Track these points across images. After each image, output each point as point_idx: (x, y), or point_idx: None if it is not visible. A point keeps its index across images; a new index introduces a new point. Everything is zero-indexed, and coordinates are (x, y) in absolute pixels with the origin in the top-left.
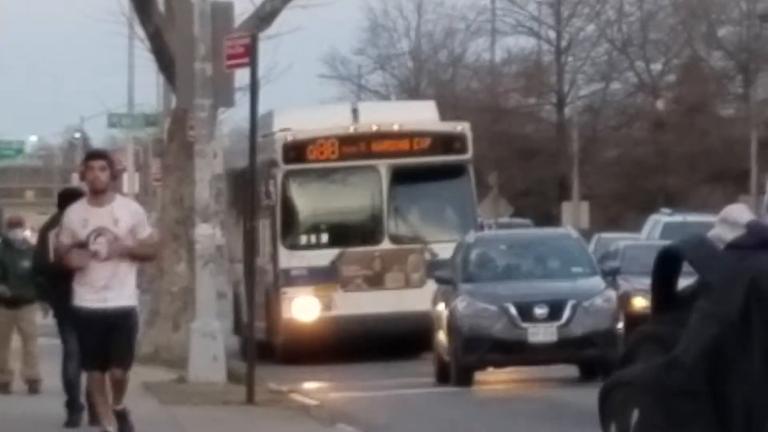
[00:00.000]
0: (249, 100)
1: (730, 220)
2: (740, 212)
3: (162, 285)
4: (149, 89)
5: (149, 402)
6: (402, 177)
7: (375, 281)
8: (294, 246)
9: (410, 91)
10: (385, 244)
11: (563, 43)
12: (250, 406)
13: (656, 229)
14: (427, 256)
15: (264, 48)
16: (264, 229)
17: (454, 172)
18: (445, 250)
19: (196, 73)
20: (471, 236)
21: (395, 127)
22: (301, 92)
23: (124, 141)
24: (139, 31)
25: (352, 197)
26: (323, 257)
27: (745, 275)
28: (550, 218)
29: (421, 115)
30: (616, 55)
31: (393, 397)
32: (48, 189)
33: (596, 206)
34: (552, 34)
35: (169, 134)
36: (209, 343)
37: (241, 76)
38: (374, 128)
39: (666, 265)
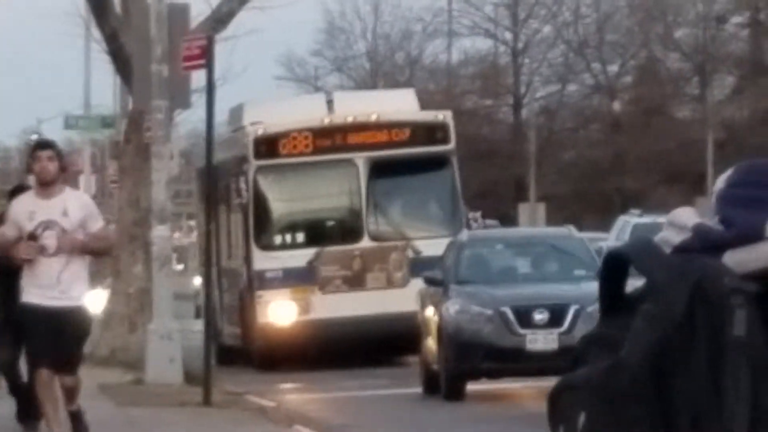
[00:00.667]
0: (205, 101)
1: (677, 224)
2: (687, 216)
3: (118, 286)
4: (106, 91)
5: (105, 404)
6: (381, 170)
7: (355, 282)
8: (268, 246)
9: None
10: (365, 242)
11: (520, 45)
12: (207, 408)
13: (626, 230)
14: (410, 253)
15: (220, 50)
16: (236, 228)
17: (437, 163)
18: (429, 247)
19: (152, 74)
20: (464, 234)
21: (373, 118)
22: (257, 94)
23: (80, 143)
24: (96, 33)
25: (328, 193)
26: (299, 258)
27: (690, 278)
28: (506, 220)
29: (400, 105)
30: (573, 57)
31: (353, 399)
32: (4, 191)
33: (553, 208)
34: (508, 36)
35: (126, 136)
36: (166, 344)
37: (198, 77)
38: (350, 119)
39: (613, 268)
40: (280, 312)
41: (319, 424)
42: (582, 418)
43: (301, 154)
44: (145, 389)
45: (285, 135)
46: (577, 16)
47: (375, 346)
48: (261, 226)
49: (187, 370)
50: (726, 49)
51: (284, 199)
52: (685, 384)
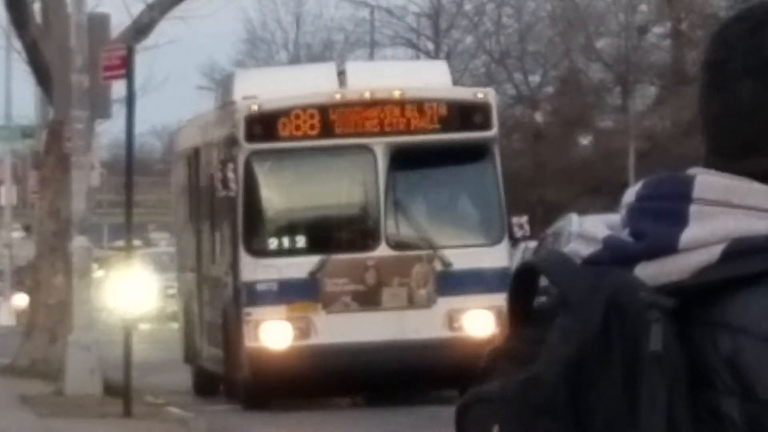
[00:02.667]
0: (126, 111)
1: (586, 236)
2: (597, 228)
3: (39, 297)
4: (27, 101)
5: (26, 414)
6: (405, 160)
7: (368, 299)
8: (261, 252)
9: None
10: (382, 250)
11: (441, 55)
12: (127, 419)
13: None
14: (438, 265)
15: (141, 59)
16: (221, 228)
17: (475, 153)
18: (461, 258)
19: (72, 84)
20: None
21: (396, 94)
22: (179, 104)
23: (1, 153)
24: (16, 43)
25: (338, 187)
26: (299, 267)
27: (605, 292)
28: None
29: (430, 79)
30: (494, 67)
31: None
32: None
33: None
34: (430, 46)
35: (46, 146)
36: (86, 355)
37: (119, 87)
38: (368, 95)
39: (523, 281)
40: (273, 335)
41: None
42: (495, 431)
43: (305, 137)
44: (65, 400)
45: (285, 113)
46: (499, 26)
47: (392, 380)
48: (252, 226)
49: (109, 382)
50: (648, 60)
51: (282, 194)
52: (600, 398)
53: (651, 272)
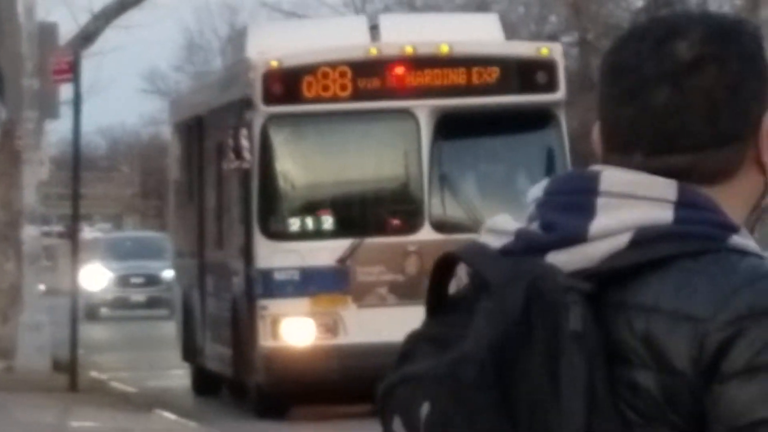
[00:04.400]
0: (72, 112)
1: (496, 229)
2: (506, 221)
3: None
4: None
5: None
6: (452, 128)
7: (407, 291)
8: (280, 234)
9: None
10: (425, 233)
11: None
12: (73, 393)
13: None
14: None
15: (88, 65)
16: (230, 207)
17: (536, 120)
18: None
19: (23, 87)
20: None
21: (443, 49)
22: (122, 105)
23: None
24: None
25: (372, 159)
26: (325, 253)
27: (525, 277)
28: None
29: (480, 34)
30: None
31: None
32: None
33: None
34: None
35: None
36: (35, 335)
37: (67, 90)
38: (410, 50)
39: (442, 270)
40: (293, 332)
41: (178, 409)
42: (425, 408)
43: (334, 99)
44: (15, 376)
45: (310, 70)
46: None
47: None
48: (269, 204)
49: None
50: None
51: (306, 166)
52: (524, 374)
53: (562, 260)
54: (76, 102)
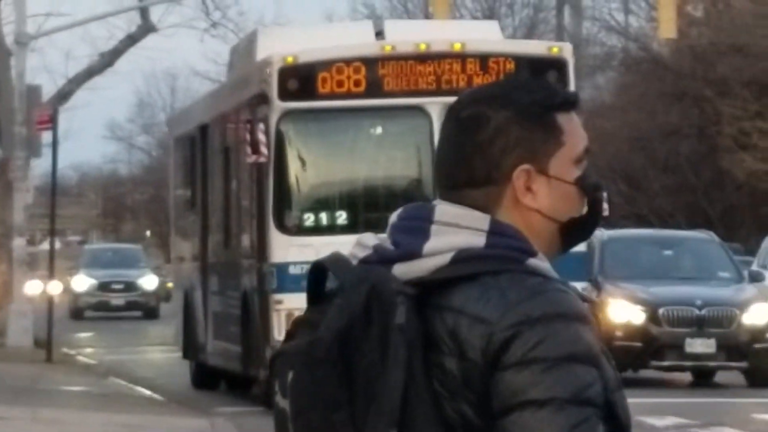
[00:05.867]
0: (51, 152)
1: (362, 244)
2: (369, 238)
3: None
4: None
5: None
6: None
7: None
8: (295, 229)
9: (167, 148)
10: None
11: None
12: (49, 364)
13: None
14: None
15: (63, 116)
16: (240, 205)
17: None
18: None
19: (15, 134)
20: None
21: (456, 47)
22: (88, 149)
23: None
24: None
25: (386, 154)
26: (341, 247)
27: (368, 282)
28: None
29: (485, 36)
30: None
31: (160, 359)
32: None
33: None
34: None
35: None
36: (22, 319)
37: (47, 135)
38: (422, 47)
39: (316, 273)
40: None
41: (130, 376)
42: (290, 375)
43: (349, 95)
44: (6, 351)
45: (326, 66)
46: None
47: None
48: (284, 198)
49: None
50: None
51: (321, 161)
52: (362, 354)
53: (403, 270)
54: (54, 145)
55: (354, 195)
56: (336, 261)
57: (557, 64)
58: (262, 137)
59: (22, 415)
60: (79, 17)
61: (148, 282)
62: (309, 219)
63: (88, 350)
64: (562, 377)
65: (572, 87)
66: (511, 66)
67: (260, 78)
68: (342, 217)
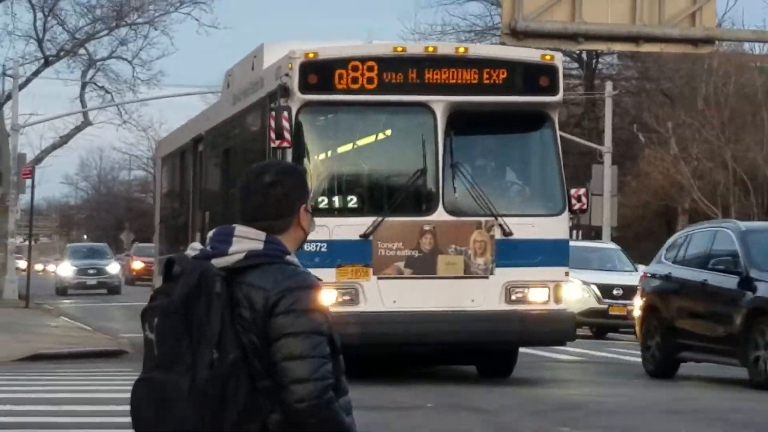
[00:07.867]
0: (30, 191)
1: (194, 248)
2: (197, 245)
3: None
4: None
5: None
6: (465, 121)
7: (422, 266)
8: (310, 210)
9: (98, 189)
10: (440, 215)
11: None
12: (27, 309)
13: None
14: (498, 233)
15: (38, 172)
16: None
17: (536, 119)
18: (522, 229)
19: (10, 180)
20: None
21: (460, 50)
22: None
23: None
24: None
25: (394, 145)
26: (350, 228)
27: (199, 268)
28: None
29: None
30: None
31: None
32: None
33: None
34: None
35: None
36: (11, 284)
37: (29, 181)
38: (431, 49)
39: (169, 263)
40: None
41: (76, 316)
42: (156, 320)
43: (362, 91)
44: (2, 302)
45: (342, 63)
46: None
47: (443, 354)
48: None
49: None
50: None
51: (335, 149)
52: (196, 311)
53: (218, 262)
54: (32, 186)
55: (365, 182)
56: (180, 257)
57: (549, 71)
58: (285, 124)
59: (7, 337)
60: (49, 115)
61: (112, 268)
62: (323, 201)
63: (50, 301)
64: (307, 320)
65: (560, 91)
66: (509, 70)
67: (278, 75)
68: (352, 200)
